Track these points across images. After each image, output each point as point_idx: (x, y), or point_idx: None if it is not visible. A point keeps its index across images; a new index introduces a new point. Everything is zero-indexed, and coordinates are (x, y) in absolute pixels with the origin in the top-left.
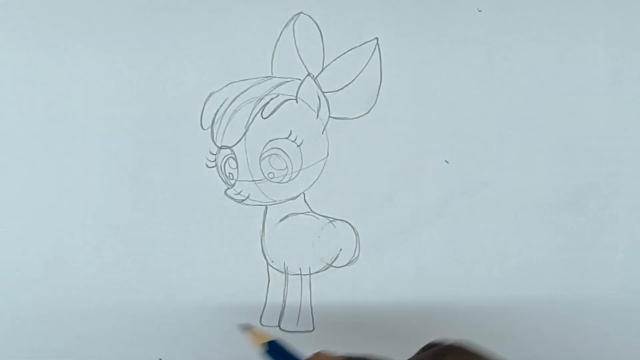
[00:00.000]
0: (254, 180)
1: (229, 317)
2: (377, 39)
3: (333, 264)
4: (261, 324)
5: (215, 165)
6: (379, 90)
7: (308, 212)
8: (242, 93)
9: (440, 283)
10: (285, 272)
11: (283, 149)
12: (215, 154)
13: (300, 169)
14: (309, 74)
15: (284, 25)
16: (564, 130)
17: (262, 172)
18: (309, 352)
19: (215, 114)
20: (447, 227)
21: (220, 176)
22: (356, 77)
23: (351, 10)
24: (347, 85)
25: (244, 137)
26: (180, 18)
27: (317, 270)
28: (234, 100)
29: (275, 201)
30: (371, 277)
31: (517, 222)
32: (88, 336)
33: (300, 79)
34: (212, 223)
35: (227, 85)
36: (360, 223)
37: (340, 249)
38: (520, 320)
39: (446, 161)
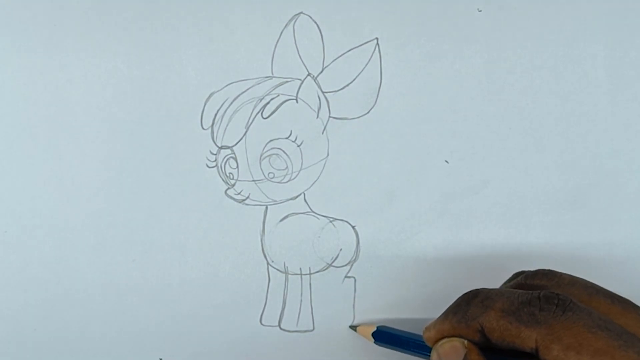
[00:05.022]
0: (254, 180)
1: (229, 317)
2: (377, 39)
3: (333, 264)
4: (261, 323)
5: (216, 165)
6: (379, 90)
7: (308, 212)
8: (242, 93)
9: (441, 283)
10: (285, 272)
11: (283, 149)
12: (215, 154)
13: (301, 169)
14: (309, 74)
15: (284, 25)
16: (564, 130)
17: (262, 172)
18: (310, 352)
19: (216, 114)
20: (447, 227)
21: (220, 176)
22: (356, 77)
23: (351, 10)
24: (347, 85)
25: (244, 137)
26: (180, 18)
27: (317, 270)
28: (234, 100)
29: (275, 201)
30: (371, 277)
31: (517, 222)
32: (88, 336)
33: (300, 79)
34: (212, 223)
35: (227, 85)
36: (360, 223)
37: (340, 249)
38: None
39: (446, 161)
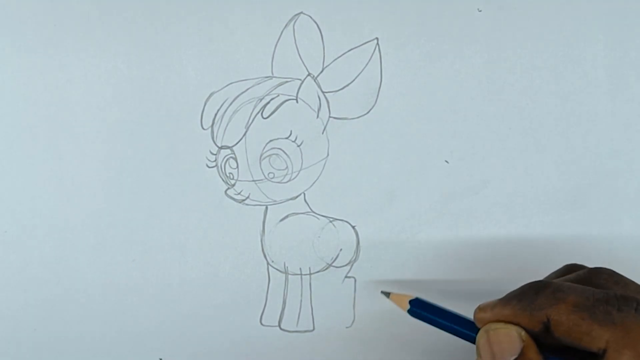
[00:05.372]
0: (254, 180)
1: (229, 317)
2: (377, 39)
3: (333, 264)
4: (261, 324)
5: (216, 165)
6: (379, 90)
7: (308, 212)
8: (242, 93)
9: (441, 283)
10: (285, 272)
11: (283, 149)
12: (215, 154)
13: (301, 169)
14: (309, 74)
15: (284, 25)
16: (564, 130)
17: (262, 172)
18: (310, 352)
19: (216, 114)
20: (447, 227)
21: (220, 176)
22: (356, 77)
23: (351, 10)
24: (347, 85)
25: (244, 137)
26: (180, 18)
27: (317, 270)
28: (234, 100)
29: (275, 201)
30: (371, 277)
31: (517, 222)
32: (88, 336)
33: (300, 79)
34: (212, 223)
35: (227, 86)
36: (360, 223)
37: (340, 249)
38: None
39: (446, 161)
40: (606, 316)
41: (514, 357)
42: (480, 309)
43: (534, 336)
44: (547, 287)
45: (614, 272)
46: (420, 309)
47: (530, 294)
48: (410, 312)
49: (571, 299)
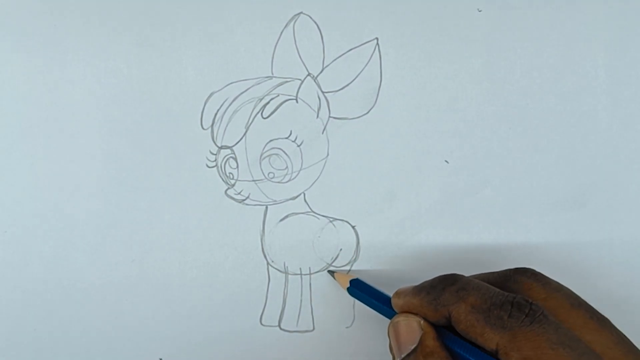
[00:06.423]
0: (254, 180)
1: (229, 317)
2: (377, 39)
3: (333, 264)
4: (261, 323)
5: (216, 165)
6: (379, 90)
7: (308, 212)
8: (242, 93)
9: None
10: (285, 272)
11: (283, 149)
12: (215, 154)
13: (301, 169)
14: (309, 74)
15: (284, 25)
16: (564, 130)
17: (262, 172)
18: (310, 352)
19: (216, 114)
20: (447, 227)
21: (220, 176)
22: (356, 77)
23: (351, 10)
24: (347, 85)
25: (244, 137)
26: (180, 18)
27: (317, 270)
28: (234, 100)
29: (275, 201)
30: (371, 277)
31: (517, 222)
32: (88, 336)
33: (300, 79)
34: (212, 223)
35: (227, 85)
36: (360, 223)
37: (340, 249)
38: None
39: (446, 161)
40: (497, 321)
41: (414, 345)
42: (396, 293)
43: (444, 326)
44: (454, 283)
45: (537, 272)
46: (358, 289)
47: (439, 289)
48: (349, 290)
49: (471, 299)
